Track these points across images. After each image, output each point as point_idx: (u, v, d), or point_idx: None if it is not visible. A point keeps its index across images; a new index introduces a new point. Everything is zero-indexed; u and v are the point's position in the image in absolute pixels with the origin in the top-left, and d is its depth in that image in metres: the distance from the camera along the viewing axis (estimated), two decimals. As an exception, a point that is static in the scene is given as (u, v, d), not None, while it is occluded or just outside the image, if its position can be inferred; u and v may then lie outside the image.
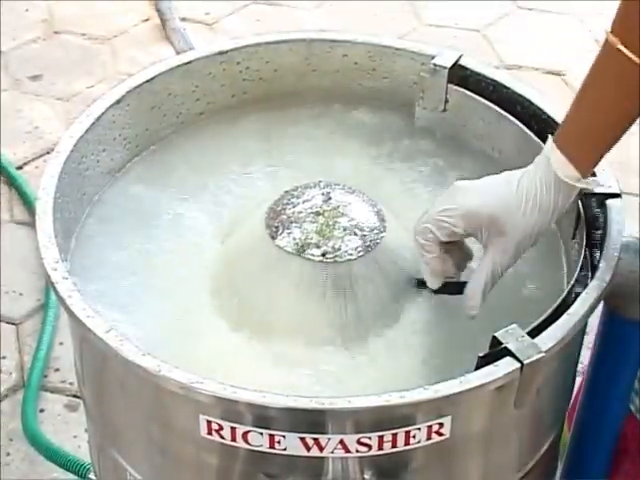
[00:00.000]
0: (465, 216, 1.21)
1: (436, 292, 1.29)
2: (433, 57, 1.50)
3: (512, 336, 1.12)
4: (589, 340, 1.37)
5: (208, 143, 1.53)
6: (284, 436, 1.09)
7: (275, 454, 1.11)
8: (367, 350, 1.25)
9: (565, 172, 1.18)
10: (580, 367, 1.43)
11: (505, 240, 1.20)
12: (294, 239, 1.28)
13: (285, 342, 1.25)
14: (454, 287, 1.27)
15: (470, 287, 1.23)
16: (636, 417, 1.44)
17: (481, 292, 1.22)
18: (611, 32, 1.12)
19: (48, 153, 2.79)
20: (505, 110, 1.46)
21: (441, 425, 1.11)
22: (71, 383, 2.26)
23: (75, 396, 2.24)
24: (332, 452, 1.10)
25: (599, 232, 1.27)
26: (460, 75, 1.49)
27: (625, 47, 1.11)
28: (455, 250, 1.26)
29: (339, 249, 1.27)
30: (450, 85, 1.49)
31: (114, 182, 1.46)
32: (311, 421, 1.09)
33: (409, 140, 1.54)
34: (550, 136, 1.20)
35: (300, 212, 1.31)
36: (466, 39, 3.35)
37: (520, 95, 1.45)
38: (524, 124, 1.43)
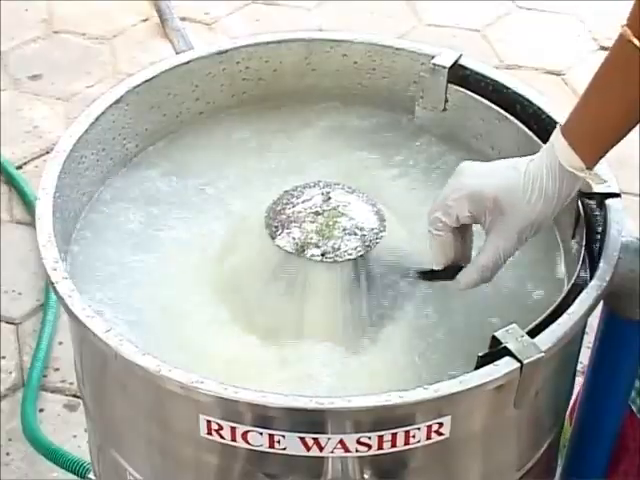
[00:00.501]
0: (470, 197, 1.20)
1: (433, 278, 1.29)
2: (433, 57, 1.50)
3: (512, 336, 1.12)
4: (589, 340, 1.37)
5: (208, 143, 1.53)
6: (284, 436, 1.09)
7: (275, 454, 1.11)
8: (366, 349, 1.25)
9: (569, 161, 1.18)
10: (580, 367, 1.43)
11: (508, 226, 1.19)
12: (294, 239, 1.28)
13: (285, 341, 1.25)
14: (451, 270, 1.26)
15: (469, 266, 1.23)
16: (637, 416, 1.44)
17: (477, 273, 1.22)
18: (625, 25, 1.13)
19: (48, 153, 2.79)
20: (505, 110, 1.46)
21: (441, 425, 1.11)
22: (71, 383, 2.26)
23: (75, 396, 2.24)
24: (332, 452, 1.10)
25: (599, 232, 1.27)
26: (460, 75, 1.49)
27: (637, 39, 1.11)
28: (465, 239, 1.26)
29: (339, 249, 1.27)
30: (450, 85, 1.49)
31: (114, 182, 1.46)
32: (311, 421, 1.09)
33: (409, 140, 1.54)
34: (558, 125, 1.21)
35: (300, 212, 1.31)
36: (466, 39, 3.35)
37: (520, 95, 1.45)
38: (524, 124, 1.43)
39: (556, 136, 1.19)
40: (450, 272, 1.26)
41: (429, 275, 1.29)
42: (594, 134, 1.18)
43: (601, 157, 1.20)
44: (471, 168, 1.23)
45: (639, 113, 1.15)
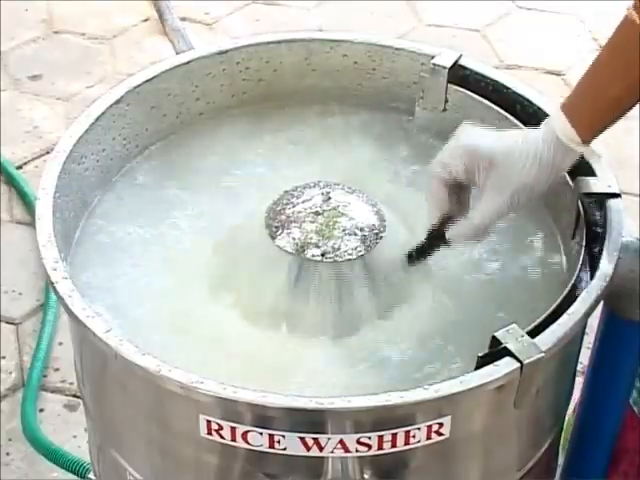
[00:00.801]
0: (466, 152, 1.23)
1: (425, 253, 1.30)
2: (433, 57, 1.50)
3: (512, 336, 1.12)
4: (589, 340, 1.37)
5: (208, 143, 1.53)
6: (284, 436, 1.09)
7: (275, 454, 1.11)
8: (364, 348, 1.25)
9: (566, 134, 1.20)
10: (580, 367, 1.43)
11: (501, 185, 1.21)
12: (294, 239, 1.28)
13: (285, 340, 1.25)
14: (442, 238, 1.28)
15: (460, 222, 1.25)
16: (637, 416, 1.44)
17: (468, 229, 1.24)
18: (630, 8, 1.15)
19: (48, 153, 2.79)
20: (505, 110, 1.46)
21: (441, 425, 1.11)
22: (71, 383, 2.26)
23: (75, 396, 2.23)
24: (332, 452, 1.10)
25: (599, 232, 1.27)
26: (460, 75, 1.49)
27: None
28: (461, 200, 1.28)
29: (339, 249, 1.27)
30: (450, 85, 1.49)
31: (114, 182, 1.46)
32: (311, 421, 1.09)
33: (409, 140, 1.54)
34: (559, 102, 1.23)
35: (300, 212, 1.31)
36: (466, 39, 3.35)
37: (520, 95, 1.45)
38: (524, 124, 1.43)
39: (555, 111, 1.22)
40: (444, 239, 1.28)
41: (422, 249, 1.30)
42: (592, 110, 1.20)
43: (598, 133, 1.22)
44: (471, 129, 1.26)
45: (637, 97, 1.17)
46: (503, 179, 1.21)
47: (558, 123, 1.21)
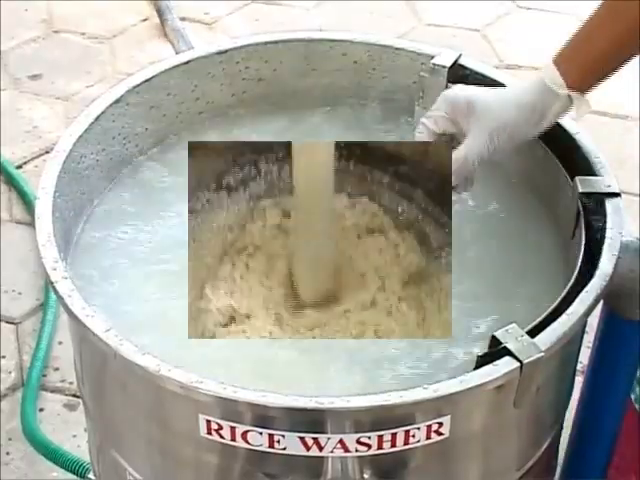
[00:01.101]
0: (448, 101, 1.28)
1: None
2: (433, 56, 1.50)
3: (511, 336, 1.12)
4: (589, 340, 1.37)
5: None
6: (283, 436, 1.09)
7: (275, 454, 1.11)
8: (365, 347, 1.25)
9: (552, 80, 1.24)
10: (580, 367, 1.43)
11: (480, 126, 1.25)
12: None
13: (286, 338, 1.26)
14: None
15: None
16: (635, 406, 1.43)
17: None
18: None
19: (47, 152, 2.79)
20: (505, 110, 1.46)
21: (440, 425, 1.11)
22: (70, 382, 2.25)
23: (74, 395, 2.23)
24: (331, 452, 1.10)
25: (599, 232, 1.27)
26: (460, 75, 1.49)
27: None
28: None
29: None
30: (450, 85, 1.49)
31: (113, 182, 1.46)
32: (310, 420, 1.09)
33: (408, 140, 1.54)
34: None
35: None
36: (466, 39, 3.35)
37: (520, 95, 1.45)
38: (524, 124, 1.43)
39: (546, 63, 1.26)
40: None
41: None
42: (583, 60, 1.25)
43: (589, 84, 1.24)
44: (457, 86, 1.33)
45: (626, 49, 1.21)
46: (482, 119, 1.25)
47: (546, 71, 1.25)
